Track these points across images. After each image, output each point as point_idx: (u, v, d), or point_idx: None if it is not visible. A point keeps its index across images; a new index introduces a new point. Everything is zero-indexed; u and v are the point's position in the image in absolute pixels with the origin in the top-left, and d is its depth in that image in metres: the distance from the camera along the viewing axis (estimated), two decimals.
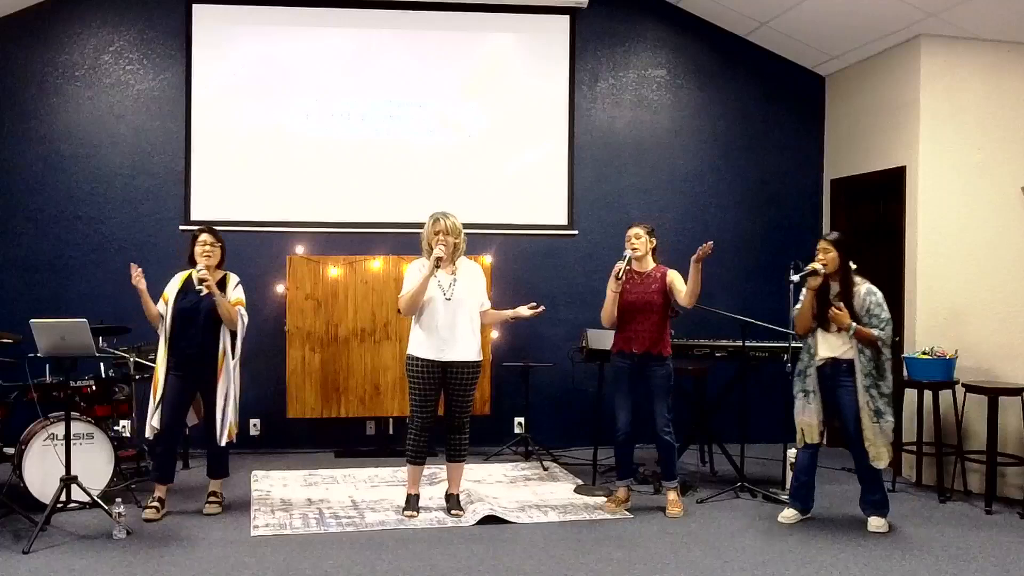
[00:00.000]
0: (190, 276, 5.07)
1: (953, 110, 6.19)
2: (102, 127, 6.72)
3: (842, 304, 4.90)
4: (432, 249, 4.95)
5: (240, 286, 5.15)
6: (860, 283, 4.99)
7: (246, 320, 5.10)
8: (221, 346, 5.02)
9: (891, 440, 4.95)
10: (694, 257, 4.95)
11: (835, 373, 4.97)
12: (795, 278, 4.99)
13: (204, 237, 5.08)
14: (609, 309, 5.23)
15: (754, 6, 6.76)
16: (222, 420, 5.01)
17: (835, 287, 4.97)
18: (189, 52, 6.78)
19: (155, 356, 5.16)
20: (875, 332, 4.87)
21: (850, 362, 4.93)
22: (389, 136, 6.98)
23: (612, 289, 5.18)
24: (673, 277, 5.22)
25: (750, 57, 7.36)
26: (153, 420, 5.01)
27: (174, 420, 5.03)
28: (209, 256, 5.03)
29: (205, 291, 4.91)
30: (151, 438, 5.07)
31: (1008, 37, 6.14)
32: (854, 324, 4.86)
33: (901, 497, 5.74)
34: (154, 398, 5.02)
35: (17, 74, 6.62)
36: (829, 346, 4.98)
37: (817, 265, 4.92)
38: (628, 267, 5.18)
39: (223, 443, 5.05)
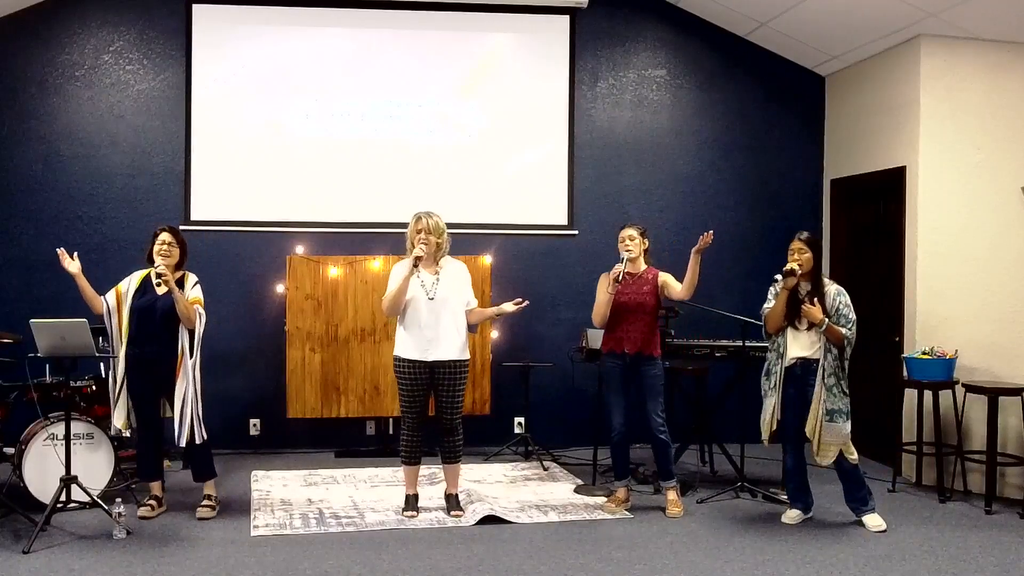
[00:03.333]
0: (148, 275, 5.07)
1: (953, 110, 6.19)
2: (102, 127, 6.72)
3: (816, 299, 4.93)
4: (416, 246, 4.95)
5: (199, 285, 5.12)
6: (829, 284, 5.06)
7: (204, 319, 5.06)
8: (179, 346, 4.98)
9: (846, 440, 4.97)
10: (695, 248, 4.99)
11: (806, 373, 5.00)
12: (777, 277, 5.02)
13: (164, 236, 5.07)
14: (603, 311, 5.23)
15: (754, 6, 6.75)
16: (180, 421, 4.94)
17: (805, 287, 5.01)
18: (189, 52, 6.78)
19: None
20: (843, 331, 4.91)
21: (819, 361, 4.96)
22: (389, 136, 6.98)
23: (608, 291, 5.18)
24: (665, 278, 5.26)
25: (750, 57, 7.36)
26: (116, 420, 5.00)
27: (144, 418, 5.04)
28: (167, 256, 5.01)
29: (163, 288, 4.91)
30: (117, 436, 5.08)
31: (1008, 37, 6.14)
32: (826, 320, 4.90)
33: (901, 497, 5.74)
34: (113, 397, 5.01)
35: (17, 74, 6.62)
36: (800, 345, 5.01)
37: (794, 265, 4.96)
38: (625, 270, 5.18)
39: (182, 444, 4.98)
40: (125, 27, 6.75)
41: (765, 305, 5.13)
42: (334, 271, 6.57)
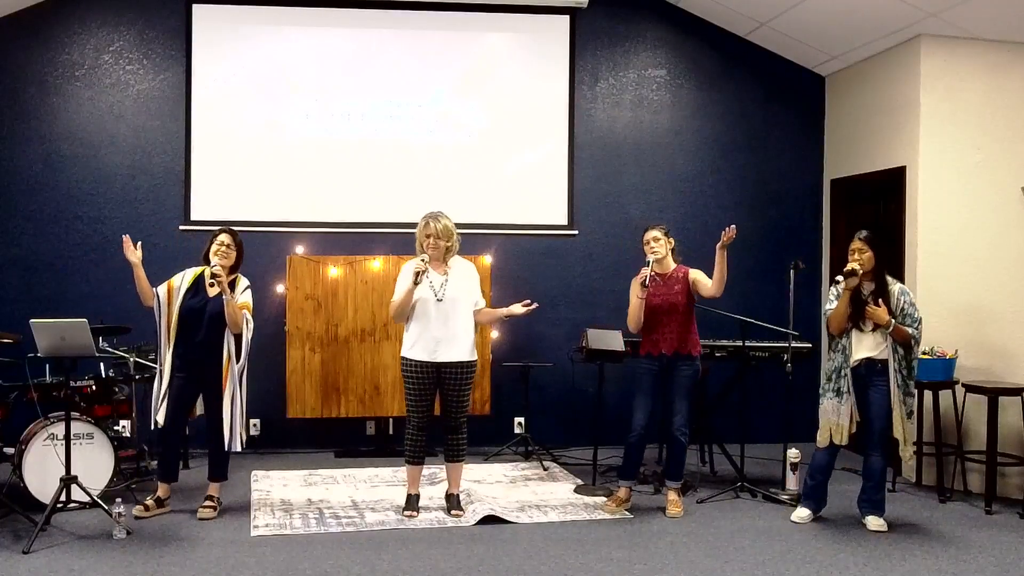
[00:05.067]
0: (202, 275, 5.05)
1: (953, 110, 6.20)
2: (102, 127, 6.72)
3: (880, 301, 4.88)
4: (425, 250, 4.95)
5: (249, 291, 5.11)
6: (892, 283, 4.99)
7: (251, 325, 5.05)
8: (225, 350, 4.99)
9: (912, 438, 4.97)
10: (719, 244, 4.97)
11: (869, 373, 4.96)
12: (839, 278, 4.95)
13: (223, 237, 5.07)
14: (636, 315, 5.21)
15: (754, 6, 6.75)
16: (231, 426, 4.98)
17: (868, 286, 4.95)
18: (189, 52, 6.78)
19: (155, 355, 5.15)
20: (909, 330, 4.87)
21: (884, 362, 4.92)
22: (389, 136, 6.98)
23: (638, 295, 5.16)
24: (696, 275, 5.22)
25: (750, 57, 7.36)
26: (159, 415, 4.98)
27: (174, 420, 5.03)
28: (225, 257, 5.01)
29: (216, 288, 4.90)
30: (155, 429, 5.06)
31: (1008, 37, 6.14)
32: (893, 321, 4.85)
33: (901, 497, 5.74)
34: (158, 391, 5.01)
35: (17, 74, 6.62)
36: (866, 347, 4.96)
37: (855, 265, 4.89)
38: (653, 272, 5.17)
39: (237, 448, 5.03)
40: (125, 27, 6.75)
41: (827, 306, 5.06)
42: (334, 271, 6.57)
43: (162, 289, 5.06)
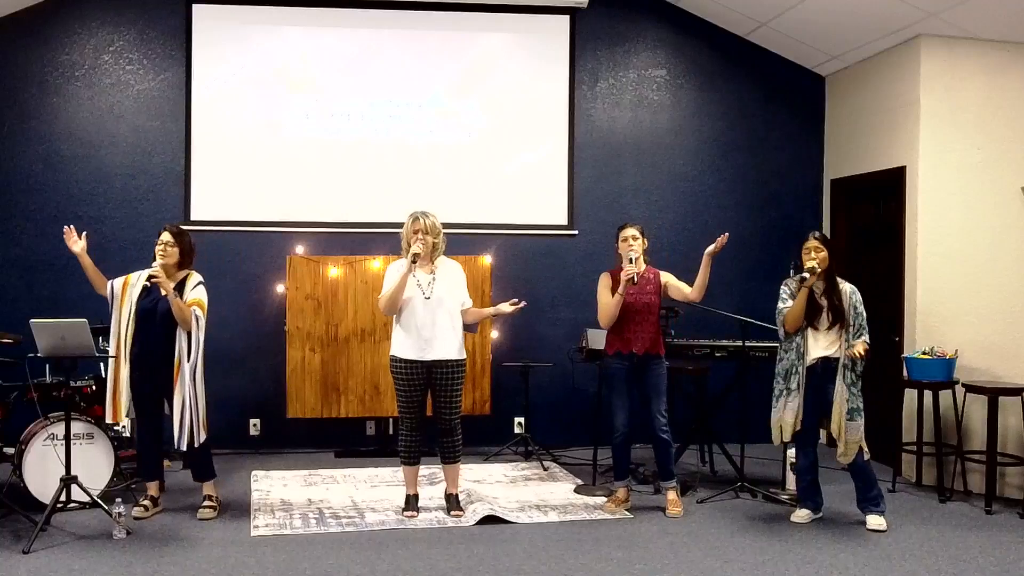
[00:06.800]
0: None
1: (953, 110, 6.19)
2: (102, 127, 6.72)
3: (834, 298, 4.93)
4: (412, 244, 4.95)
5: (201, 287, 5.07)
6: (842, 282, 5.07)
7: (202, 321, 5.00)
8: (176, 348, 4.96)
9: (862, 438, 4.97)
10: (709, 249, 4.99)
11: (826, 371, 5.01)
12: (798, 278, 5.01)
13: (162, 236, 5.06)
14: (613, 312, 5.20)
15: (754, 6, 6.75)
16: (180, 425, 4.93)
17: (820, 285, 5.02)
18: (189, 52, 6.78)
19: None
20: (866, 340, 4.95)
21: (839, 360, 4.98)
22: (389, 136, 6.99)
23: (620, 293, 5.16)
24: (668, 278, 5.26)
25: (750, 57, 7.36)
26: (123, 408, 4.94)
27: (146, 418, 5.04)
28: (164, 255, 5.00)
29: (163, 292, 4.89)
30: (117, 436, 5.04)
31: (1008, 37, 6.14)
32: (862, 350, 4.90)
33: (901, 497, 5.74)
34: (110, 388, 4.96)
35: (17, 74, 6.62)
36: (821, 345, 5.01)
37: (813, 264, 4.96)
38: (637, 269, 5.17)
39: (182, 447, 4.96)
40: (125, 27, 6.75)
41: (781, 306, 5.08)
42: (334, 271, 6.57)
43: (118, 282, 5.06)
